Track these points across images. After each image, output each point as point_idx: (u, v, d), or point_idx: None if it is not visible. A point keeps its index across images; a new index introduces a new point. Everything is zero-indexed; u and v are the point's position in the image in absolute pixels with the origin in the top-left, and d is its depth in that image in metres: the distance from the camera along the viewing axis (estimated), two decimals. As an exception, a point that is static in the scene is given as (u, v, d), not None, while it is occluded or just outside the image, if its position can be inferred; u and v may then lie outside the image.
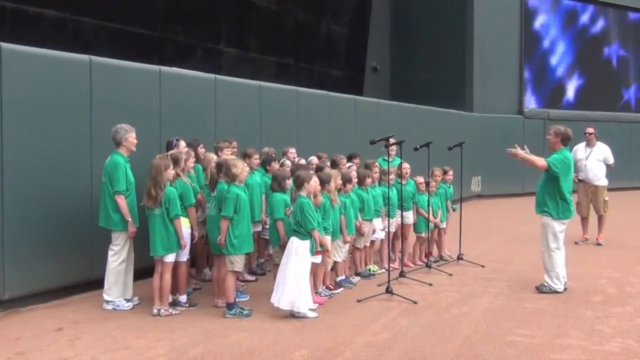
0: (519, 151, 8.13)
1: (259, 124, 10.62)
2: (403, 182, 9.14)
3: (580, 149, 12.10)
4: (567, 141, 8.03)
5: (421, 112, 17.14)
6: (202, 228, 7.58)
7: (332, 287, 7.94)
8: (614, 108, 23.98)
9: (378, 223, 8.91)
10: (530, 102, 21.97)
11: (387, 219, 8.72)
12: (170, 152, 7.40)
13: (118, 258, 7.08)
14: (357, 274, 8.68)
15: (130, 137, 7.10)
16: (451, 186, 10.35)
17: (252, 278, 8.61)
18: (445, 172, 10.17)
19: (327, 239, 7.38)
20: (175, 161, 7.11)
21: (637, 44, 24.74)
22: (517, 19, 21.52)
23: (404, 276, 8.51)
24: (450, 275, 8.94)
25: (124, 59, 8.48)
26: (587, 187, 11.91)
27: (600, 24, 23.91)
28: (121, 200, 6.94)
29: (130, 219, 7.00)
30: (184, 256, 7.12)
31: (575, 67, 23.40)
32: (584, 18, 23.50)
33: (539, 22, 22.36)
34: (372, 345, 5.89)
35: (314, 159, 9.70)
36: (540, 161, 7.91)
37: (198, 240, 7.47)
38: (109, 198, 6.98)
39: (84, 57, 7.77)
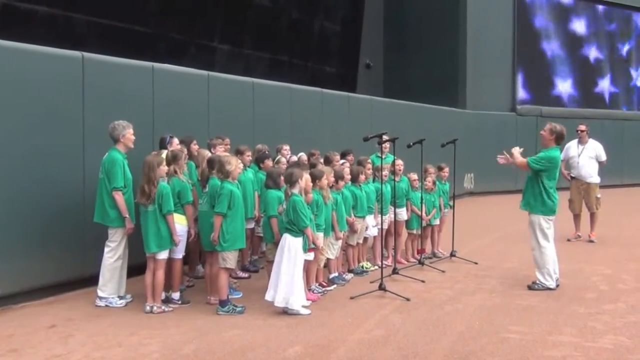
0: (507, 157, 8.15)
1: (252, 121, 10.60)
2: (396, 179, 9.14)
3: (572, 146, 12.13)
4: (560, 140, 8.05)
5: (414, 109, 17.16)
6: (196, 225, 7.57)
7: (325, 284, 7.94)
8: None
9: (371, 220, 8.91)
10: (523, 99, 21.99)
11: (379, 215, 8.72)
12: (171, 149, 7.40)
13: (114, 254, 7.06)
14: (350, 271, 8.69)
15: (128, 134, 7.08)
16: (446, 183, 10.36)
17: (245, 275, 8.60)
18: (440, 169, 10.19)
19: (320, 235, 7.38)
20: (175, 158, 7.11)
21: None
22: (511, 16, 21.55)
23: (397, 273, 8.51)
24: (443, 272, 8.96)
25: (117, 56, 8.45)
26: (580, 185, 11.94)
27: (593, 21, 24.03)
28: (119, 197, 6.92)
29: (127, 216, 6.99)
30: (180, 253, 7.11)
31: (568, 64, 23.47)
32: (578, 15, 23.60)
33: (532, 19, 22.40)
34: (365, 342, 5.90)
35: (303, 156, 9.69)
36: (521, 161, 7.95)
37: (192, 238, 7.45)
38: (107, 194, 6.95)
39: (77, 53, 7.73)
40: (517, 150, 8.15)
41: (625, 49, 25.09)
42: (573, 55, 23.48)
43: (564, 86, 23.43)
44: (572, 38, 23.43)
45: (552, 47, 22.93)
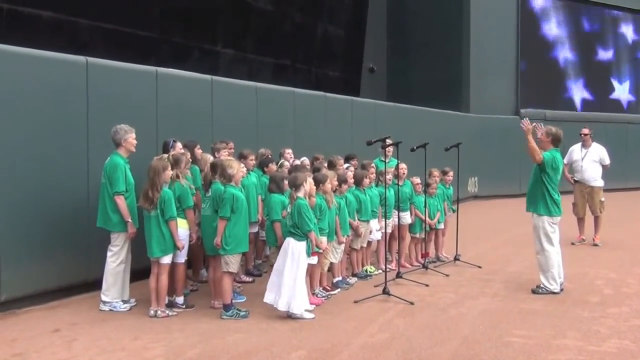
0: (530, 127, 7.80)
1: (256, 125, 10.61)
2: (400, 183, 9.14)
3: (576, 149, 12.12)
4: (557, 142, 8.04)
5: (418, 113, 17.15)
6: (199, 229, 7.58)
7: (329, 288, 7.94)
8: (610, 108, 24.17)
9: (374, 224, 8.91)
10: (527, 103, 21.95)
11: (383, 219, 8.72)
12: (173, 153, 7.41)
13: (117, 259, 7.06)
14: (354, 275, 8.68)
15: (130, 138, 7.09)
16: (450, 187, 10.36)
17: (249, 279, 8.60)
18: (444, 173, 10.19)
19: (323, 239, 7.38)
20: (176, 162, 7.12)
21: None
22: (514, 19, 21.53)
23: (401, 277, 8.52)
24: (447, 276, 8.95)
25: (121, 60, 8.47)
26: (583, 188, 11.92)
27: (597, 24, 24.04)
28: (121, 201, 6.92)
29: (130, 220, 6.99)
30: (182, 257, 7.11)
31: (572, 68, 23.45)
32: (583, 18, 23.60)
33: (536, 23, 22.39)
34: (369, 346, 5.89)
35: (305, 160, 9.69)
36: (539, 154, 7.79)
37: (195, 242, 7.46)
38: (109, 199, 6.96)
39: (81, 58, 7.75)
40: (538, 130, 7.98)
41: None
42: (580, 56, 23.47)
43: (568, 90, 23.43)
44: (577, 36, 23.41)
45: (556, 43, 22.92)
